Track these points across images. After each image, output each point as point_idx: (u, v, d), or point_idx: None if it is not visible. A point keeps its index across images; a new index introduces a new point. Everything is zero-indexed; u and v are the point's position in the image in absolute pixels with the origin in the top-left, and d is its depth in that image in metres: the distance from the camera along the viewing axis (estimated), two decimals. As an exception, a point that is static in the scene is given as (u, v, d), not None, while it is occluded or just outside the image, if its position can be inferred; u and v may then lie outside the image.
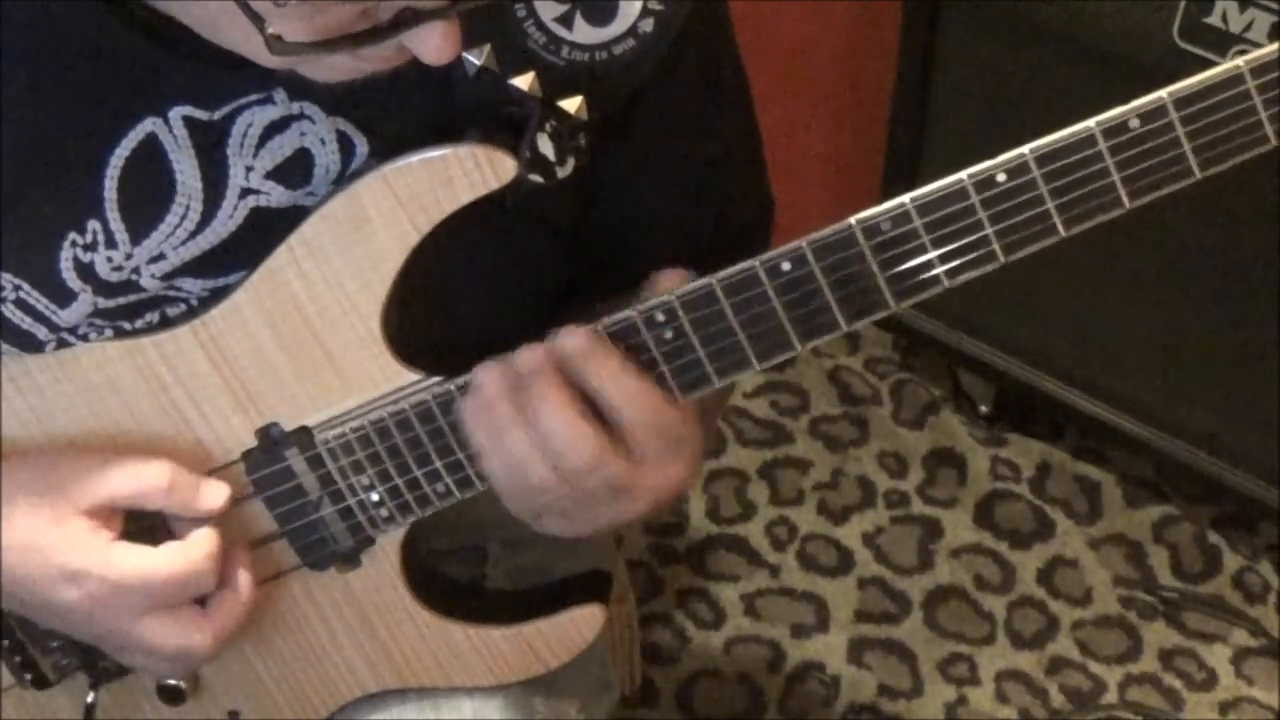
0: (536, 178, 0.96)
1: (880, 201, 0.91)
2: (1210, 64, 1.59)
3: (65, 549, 0.96)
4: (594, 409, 0.94)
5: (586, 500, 0.95)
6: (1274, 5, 1.58)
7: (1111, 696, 1.99)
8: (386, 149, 0.95)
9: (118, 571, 0.96)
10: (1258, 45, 1.58)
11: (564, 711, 1.18)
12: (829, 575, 2.12)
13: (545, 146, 0.96)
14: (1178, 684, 2.00)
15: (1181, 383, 1.96)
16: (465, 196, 0.94)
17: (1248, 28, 1.61)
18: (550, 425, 0.92)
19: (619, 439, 0.94)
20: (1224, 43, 1.62)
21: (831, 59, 2.19)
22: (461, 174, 0.93)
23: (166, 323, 1.00)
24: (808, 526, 2.18)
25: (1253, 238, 1.77)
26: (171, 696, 1.09)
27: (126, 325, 1.01)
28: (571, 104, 0.95)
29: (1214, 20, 1.62)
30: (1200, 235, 1.81)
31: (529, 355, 0.93)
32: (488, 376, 0.95)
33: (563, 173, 0.96)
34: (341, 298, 0.97)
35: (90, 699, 1.09)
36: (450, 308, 1.03)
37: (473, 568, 1.24)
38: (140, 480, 0.98)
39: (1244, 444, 1.95)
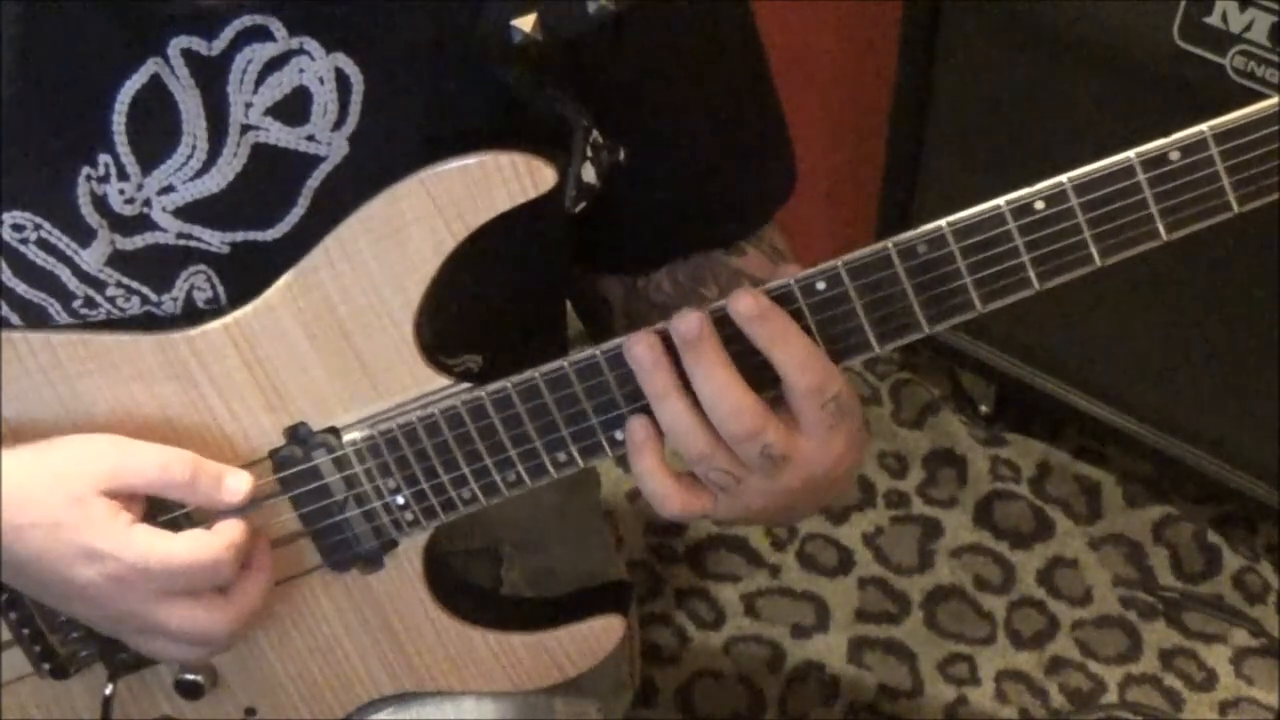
0: (584, 204, 0.97)
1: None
2: (1210, 64, 1.63)
3: (85, 528, 0.96)
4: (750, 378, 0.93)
5: (743, 472, 0.95)
6: (1274, 5, 1.58)
7: (1111, 696, 1.99)
8: (383, 85, 0.95)
9: (136, 553, 0.96)
10: (1258, 45, 1.60)
11: (585, 711, 1.19)
12: (829, 575, 2.12)
13: (589, 174, 0.98)
14: (1178, 684, 2.00)
15: (1181, 383, 1.96)
16: (503, 205, 0.94)
17: (1248, 28, 1.61)
18: (711, 390, 0.92)
19: (780, 407, 0.94)
20: (1224, 43, 1.62)
21: (831, 59, 2.18)
22: (500, 182, 0.94)
23: (192, 306, 1.01)
24: (808, 526, 2.17)
25: (1253, 238, 1.77)
26: (189, 692, 1.09)
27: (152, 295, 1.00)
28: (526, 22, 0.93)
29: (1214, 20, 1.62)
30: (1200, 235, 1.81)
31: (687, 323, 0.92)
32: (640, 347, 0.94)
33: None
34: (375, 301, 0.97)
35: (109, 691, 1.09)
36: (467, 301, 1.03)
37: (489, 570, 1.23)
38: (164, 471, 0.98)
39: (1244, 444, 1.95)
